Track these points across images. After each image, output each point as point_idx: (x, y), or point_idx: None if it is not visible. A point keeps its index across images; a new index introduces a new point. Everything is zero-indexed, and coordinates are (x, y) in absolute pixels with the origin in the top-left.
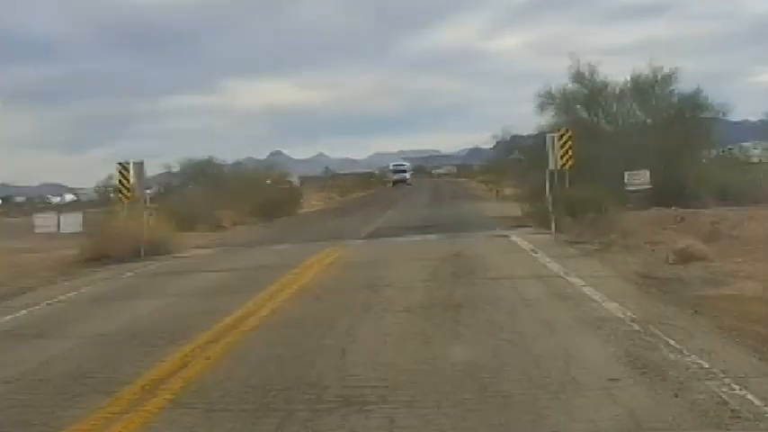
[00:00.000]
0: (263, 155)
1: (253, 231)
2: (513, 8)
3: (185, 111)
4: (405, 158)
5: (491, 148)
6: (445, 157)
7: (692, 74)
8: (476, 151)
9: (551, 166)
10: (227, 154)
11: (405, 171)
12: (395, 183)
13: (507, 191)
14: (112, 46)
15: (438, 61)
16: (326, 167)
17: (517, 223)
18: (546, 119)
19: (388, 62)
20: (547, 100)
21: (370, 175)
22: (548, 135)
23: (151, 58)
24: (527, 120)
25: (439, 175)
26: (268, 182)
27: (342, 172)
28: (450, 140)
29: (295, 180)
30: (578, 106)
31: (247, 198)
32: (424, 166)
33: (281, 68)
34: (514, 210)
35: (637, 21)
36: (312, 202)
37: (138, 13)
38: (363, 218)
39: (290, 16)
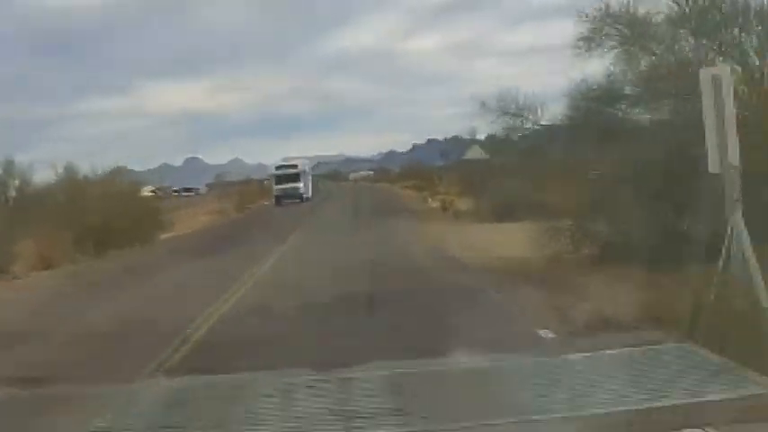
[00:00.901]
0: (178, 161)
1: (53, 287)
2: (428, 10)
3: (97, 116)
4: (319, 161)
5: (408, 151)
6: (362, 160)
7: None
8: (391, 155)
9: (721, 161)
10: (142, 161)
11: (297, 176)
12: (279, 199)
13: (462, 204)
14: (16, 48)
15: (352, 63)
16: (218, 174)
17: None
18: (596, 66)
19: (302, 64)
20: (594, 31)
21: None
22: (704, 72)
23: (55, 62)
24: (446, 122)
25: (356, 180)
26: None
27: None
28: (366, 144)
29: (165, 189)
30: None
31: (75, 221)
32: (340, 171)
33: (194, 71)
34: (519, 247)
35: (550, 21)
36: (199, 218)
37: (40, 14)
38: (236, 260)
39: (198, 17)
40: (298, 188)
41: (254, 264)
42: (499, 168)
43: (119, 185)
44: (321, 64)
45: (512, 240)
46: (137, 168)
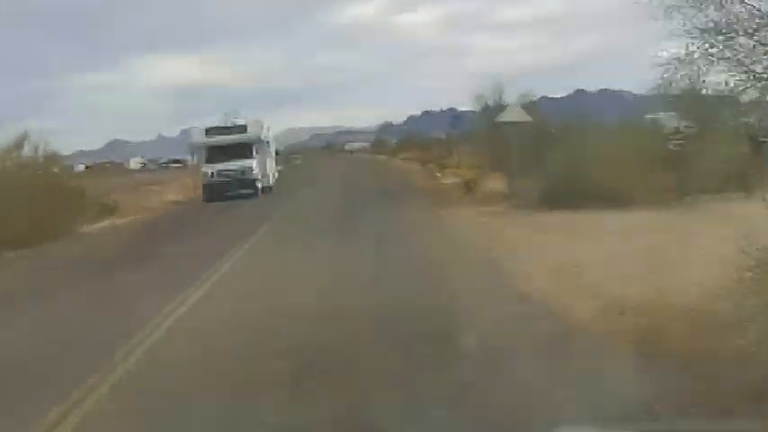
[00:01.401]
0: (174, 132)
1: None
2: None
3: (93, 89)
4: (314, 132)
5: (403, 123)
6: (358, 132)
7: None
8: (387, 126)
9: None
10: (138, 133)
11: (246, 148)
12: (212, 191)
13: (489, 183)
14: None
15: (349, 35)
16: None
17: None
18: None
19: (297, 37)
20: None
21: None
22: None
23: (48, 35)
24: (441, 94)
25: (352, 151)
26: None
27: None
28: (362, 116)
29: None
30: None
31: None
32: (334, 143)
33: (188, 45)
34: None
35: None
36: (166, 196)
37: None
38: (163, 276)
39: None
40: (248, 170)
41: (187, 283)
42: (550, 137)
43: (19, 160)
44: (316, 37)
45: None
46: (132, 140)
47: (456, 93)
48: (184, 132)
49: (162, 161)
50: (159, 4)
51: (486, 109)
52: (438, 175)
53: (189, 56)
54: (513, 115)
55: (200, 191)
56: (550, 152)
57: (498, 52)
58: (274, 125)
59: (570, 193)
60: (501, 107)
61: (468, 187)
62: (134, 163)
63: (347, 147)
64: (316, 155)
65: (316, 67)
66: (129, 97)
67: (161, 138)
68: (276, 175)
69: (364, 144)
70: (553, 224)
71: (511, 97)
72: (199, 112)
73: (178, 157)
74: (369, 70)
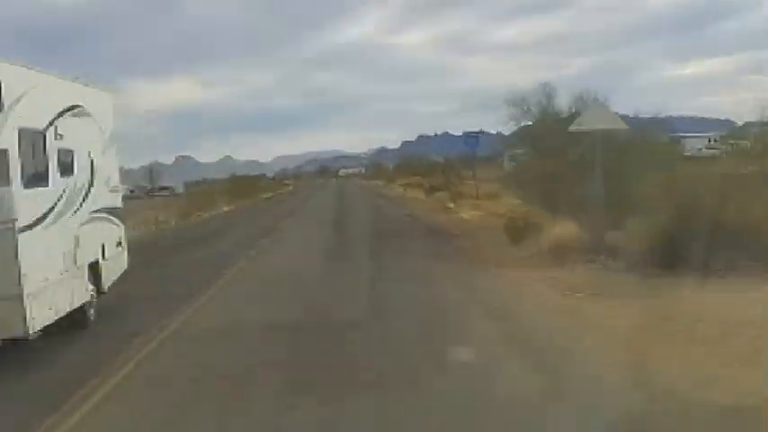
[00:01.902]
0: (169, 159)
1: None
2: (414, 5)
3: None
4: (309, 159)
5: (398, 148)
6: (351, 157)
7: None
8: (382, 151)
9: None
10: (132, 158)
11: None
12: None
13: (551, 226)
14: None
15: (340, 58)
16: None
17: None
18: None
19: (292, 60)
20: None
21: (251, 180)
22: None
23: (41, 59)
24: (436, 119)
25: (347, 176)
26: None
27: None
28: (357, 141)
29: None
30: None
31: None
32: (328, 167)
33: (182, 68)
34: None
35: (540, 15)
36: None
37: (25, 12)
38: None
39: (184, 14)
40: None
41: None
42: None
43: None
44: (311, 60)
45: None
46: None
47: (450, 117)
48: (180, 159)
49: (149, 188)
50: (154, 25)
51: (533, 120)
52: (450, 206)
53: (183, 79)
54: (598, 121)
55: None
56: (651, 178)
57: (492, 73)
58: (269, 150)
59: (703, 245)
60: (555, 117)
61: (516, 231)
62: None
63: (341, 173)
64: (308, 179)
65: (311, 90)
66: (120, 122)
67: (156, 164)
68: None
69: (359, 169)
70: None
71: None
72: (193, 137)
73: (165, 185)
74: (363, 92)
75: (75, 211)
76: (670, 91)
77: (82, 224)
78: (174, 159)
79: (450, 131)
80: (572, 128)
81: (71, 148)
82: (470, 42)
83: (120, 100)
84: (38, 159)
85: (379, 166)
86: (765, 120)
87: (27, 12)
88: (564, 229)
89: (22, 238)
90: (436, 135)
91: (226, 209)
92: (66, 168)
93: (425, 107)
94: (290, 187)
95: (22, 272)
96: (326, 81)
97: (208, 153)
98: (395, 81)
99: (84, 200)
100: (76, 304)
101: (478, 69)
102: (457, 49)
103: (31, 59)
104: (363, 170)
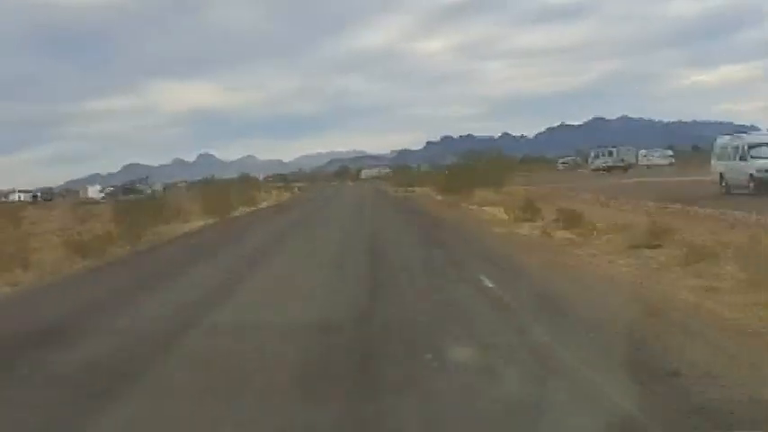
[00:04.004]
0: (191, 157)
1: None
2: (437, 11)
3: (111, 113)
4: (332, 158)
5: (422, 149)
6: (374, 158)
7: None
8: (405, 153)
9: None
10: (156, 156)
11: None
12: None
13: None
14: (29, 47)
15: (363, 62)
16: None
17: None
18: None
19: (312, 63)
20: None
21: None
22: None
23: (70, 60)
24: (459, 122)
25: (370, 179)
26: None
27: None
28: (380, 142)
29: None
30: None
31: None
32: (349, 169)
33: (206, 71)
34: None
35: (562, 23)
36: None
37: (53, 13)
38: None
39: (209, 19)
40: None
41: None
42: None
43: None
44: (333, 63)
45: None
46: (150, 163)
47: (472, 121)
48: (202, 156)
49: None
50: (176, 29)
51: None
52: (576, 251)
53: (208, 81)
54: None
55: None
56: None
57: (513, 78)
58: (292, 150)
59: None
60: None
61: None
62: (93, 192)
63: (363, 174)
64: (324, 181)
65: (333, 92)
66: (145, 121)
67: (179, 161)
68: None
69: (383, 170)
70: None
71: None
72: (216, 136)
73: (140, 185)
74: (386, 95)
75: None
76: (696, 95)
77: None
78: (195, 157)
79: (474, 134)
80: None
81: None
82: (491, 48)
83: (144, 101)
84: None
85: (404, 167)
86: None
87: (59, 14)
88: None
89: None
90: (460, 137)
91: (203, 223)
92: None
93: (448, 110)
94: (297, 190)
95: None
96: (350, 85)
97: (231, 152)
98: (418, 85)
99: None
100: None
101: (499, 75)
102: (476, 55)
103: (60, 59)
104: (388, 171)
